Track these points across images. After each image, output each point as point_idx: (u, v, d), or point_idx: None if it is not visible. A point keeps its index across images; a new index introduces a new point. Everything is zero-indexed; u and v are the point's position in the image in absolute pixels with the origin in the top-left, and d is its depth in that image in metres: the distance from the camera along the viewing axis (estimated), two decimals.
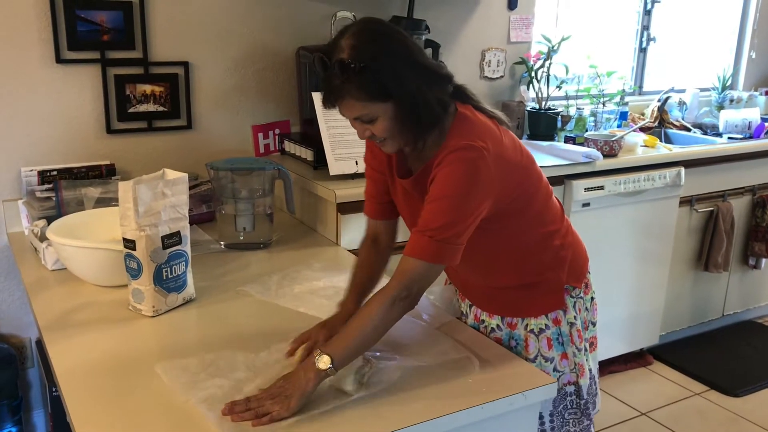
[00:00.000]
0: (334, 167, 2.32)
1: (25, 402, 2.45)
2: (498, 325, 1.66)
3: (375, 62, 1.32)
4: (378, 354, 1.47)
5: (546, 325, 1.62)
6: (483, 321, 1.69)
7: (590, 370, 1.70)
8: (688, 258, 3.30)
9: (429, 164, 1.44)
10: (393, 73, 1.34)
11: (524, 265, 1.60)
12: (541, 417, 1.64)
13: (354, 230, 2.26)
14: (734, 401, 2.99)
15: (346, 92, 1.34)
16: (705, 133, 3.62)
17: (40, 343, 2.34)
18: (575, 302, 1.65)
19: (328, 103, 1.39)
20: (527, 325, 1.63)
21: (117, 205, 1.63)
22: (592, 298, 1.71)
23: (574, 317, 1.64)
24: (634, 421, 2.82)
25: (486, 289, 1.67)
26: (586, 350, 1.68)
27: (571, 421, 1.68)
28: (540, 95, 3.18)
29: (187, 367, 1.38)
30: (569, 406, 1.67)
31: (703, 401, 3.00)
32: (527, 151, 1.55)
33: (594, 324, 1.72)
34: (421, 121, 1.40)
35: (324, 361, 1.30)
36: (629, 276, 3.03)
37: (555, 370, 1.63)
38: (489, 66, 3.21)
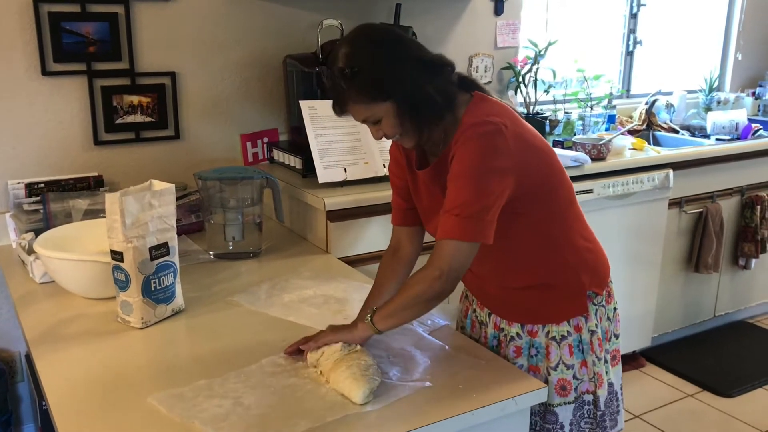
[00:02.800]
0: (323, 175, 2.31)
1: (15, 417, 2.44)
2: (518, 333, 1.62)
3: (368, 65, 1.39)
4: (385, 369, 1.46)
5: (568, 332, 1.58)
6: (503, 329, 1.65)
7: (611, 384, 1.65)
8: (678, 259, 3.30)
9: (446, 151, 1.47)
10: (387, 72, 1.40)
11: (548, 261, 1.56)
12: (562, 427, 1.60)
13: (343, 238, 2.26)
14: (727, 402, 3.00)
15: (348, 98, 1.42)
16: (693, 135, 3.63)
17: (29, 357, 2.32)
18: (597, 310, 1.61)
19: (338, 111, 1.47)
20: (548, 332, 1.59)
21: (105, 217, 1.62)
22: (615, 309, 1.66)
23: (596, 325, 1.60)
24: (628, 425, 2.82)
25: (506, 293, 1.63)
26: (606, 361, 1.64)
27: (587, 430, 1.63)
28: (528, 100, 3.19)
29: (182, 395, 1.36)
30: (586, 416, 1.63)
31: (696, 402, 3.00)
32: (548, 143, 1.57)
33: (617, 336, 1.67)
34: (423, 114, 1.44)
35: (370, 327, 1.46)
36: (620, 279, 2.98)
37: (575, 377, 1.59)
38: (476, 72, 3.21)
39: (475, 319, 1.75)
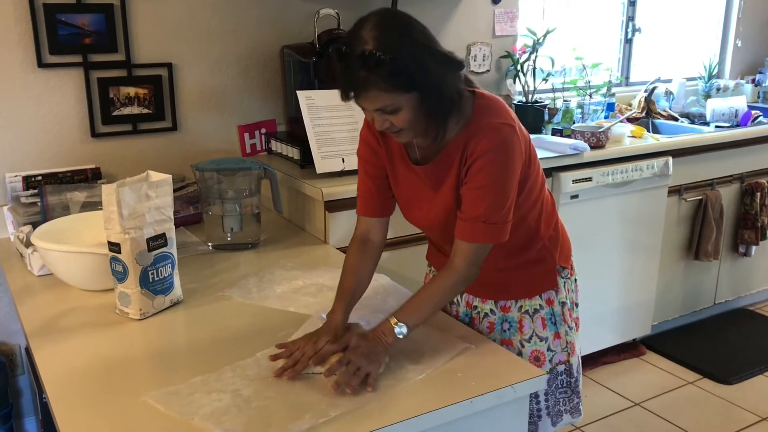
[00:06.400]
0: (321, 165, 2.31)
1: (16, 410, 2.44)
2: (491, 310, 1.68)
3: (401, 52, 1.32)
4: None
5: (540, 305, 1.65)
6: (476, 307, 1.70)
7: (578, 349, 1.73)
8: (678, 247, 3.30)
9: (452, 147, 1.46)
10: (418, 62, 1.34)
11: (529, 243, 1.61)
12: (536, 396, 1.67)
13: (342, 228, 2.25)
14: (727, 389, 3.00)
15: (372, 84, 1.32)
16: (692, 122, 3.62)
17: (29, 350, 2.32)
18: (564, 282, 1.68)
19: (347, 96, 1.37)
20: (521, 306, 1.65)
21: (102, 209, 1.62)
22: (576, 280, 1.74)
23: (565, 297, 1.67)
24: (628, 412, 2.83)
25: (483, 273, 1.62)
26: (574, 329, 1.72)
27: (561, 399, 1.71)
28: (526, 88, 3.18)
29: (179, 392, 1.34)
30: (560, 385, 1.70)
31: (696, 390, 3.00)
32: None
33: (577, 305, 1.75)
34: (441, 111, 1.41)
35: (400, 329, 1.42)
36: (620, 267, 3.03)
37: (549, 349, 1.66)
38: (475, 60, 3.20)
39: None
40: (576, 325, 1.74)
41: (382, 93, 1.34)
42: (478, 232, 1.44)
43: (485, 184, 1.42)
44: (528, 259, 1.63)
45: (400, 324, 1.42)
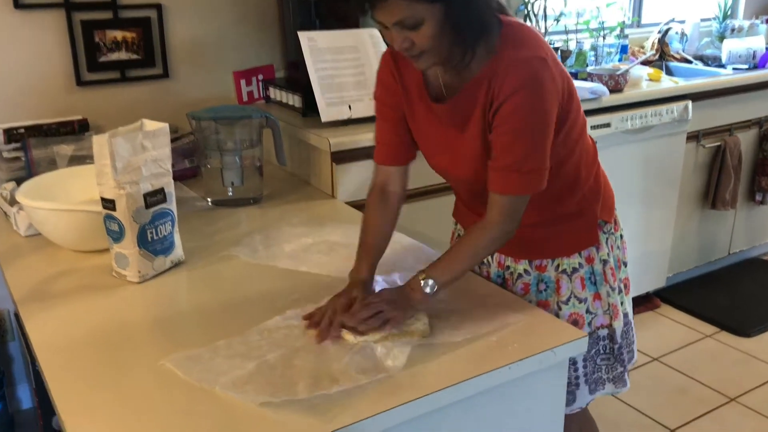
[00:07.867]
0: (326, 113, 2.15)
1: (7, 376, 2.32)
2: (526, 270, 1.53)
3: None
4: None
5: (579, 263, 1.50)
6: (508, 267, 1.55)
7: (626, 315, 1.58)
8: (695, 196, 3.18)
9: (475, 82, 1.30)
10: None
11: (566, 195, 1.47)
12: (574, 363, 1.53)
13: (351, 181, 2.11)
14: (746, 341, 2.91)
15: None
16: (707, 65, 3.47)
17: (18, 316, 2.19)
18: (607, 238, 1.53)
19: (363, 8, 1.22)
20: (558, 265, 1.51)
21: (92, 163, 1.47)
22: (622, 236, 1.59)
23: (607, 254, 1.53)
24: (647, 367, 2.73)
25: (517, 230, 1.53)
26: (620, 291, 1.57)
27: (603, 367, 1.57)
28: (538, 30, 3.00)
29: (200, 357, 1.23)
30: (602, 351, 1.56)
31: (714, 343, 2.91)
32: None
33: (626, 264, 1.60)
34: (469, 29, 1.24)
35: (429, 285, 1.30)
36: (637, 217, 2.90)
37: (588, 311, 1.52)
38: None
39: None
40: (625, 286, 1.60)
41: (402, 1, 1.18)
42: (513, 183, 1.30)
43: (516, 128, 1.27)
44: (566, 212, 1.49)
45: (428, 279, 1.30)
